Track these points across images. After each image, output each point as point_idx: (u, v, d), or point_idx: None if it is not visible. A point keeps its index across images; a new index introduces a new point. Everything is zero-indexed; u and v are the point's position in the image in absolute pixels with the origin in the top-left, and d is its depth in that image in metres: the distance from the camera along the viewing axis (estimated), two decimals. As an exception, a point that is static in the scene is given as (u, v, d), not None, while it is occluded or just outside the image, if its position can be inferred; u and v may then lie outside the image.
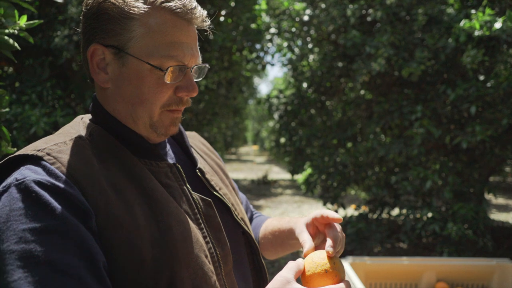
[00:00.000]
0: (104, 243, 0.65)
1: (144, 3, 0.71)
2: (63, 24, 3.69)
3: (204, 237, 0.77)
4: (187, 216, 0.75)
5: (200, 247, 0.74)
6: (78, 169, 0.67)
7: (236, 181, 12.73)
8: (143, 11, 0.71)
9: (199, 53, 0.78)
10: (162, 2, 0.71)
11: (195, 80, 0.79)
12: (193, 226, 0.75)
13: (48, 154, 0.68)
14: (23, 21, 1.21)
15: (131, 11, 0.71)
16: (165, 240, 0.69)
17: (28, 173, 0.65)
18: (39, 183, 0.63)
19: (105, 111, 0.78)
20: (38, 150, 0.69)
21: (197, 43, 0.78)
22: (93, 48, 0.74)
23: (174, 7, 0.71)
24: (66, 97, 4.15)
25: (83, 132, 0.76)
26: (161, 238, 0.69)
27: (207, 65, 0.82)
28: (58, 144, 0.71)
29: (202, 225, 0.78)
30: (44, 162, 0.66)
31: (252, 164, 20.40)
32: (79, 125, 0.78)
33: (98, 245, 0.64)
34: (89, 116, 0.82)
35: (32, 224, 0.60)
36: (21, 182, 0.63)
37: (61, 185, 0.64)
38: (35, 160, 0.67)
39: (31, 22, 1.24)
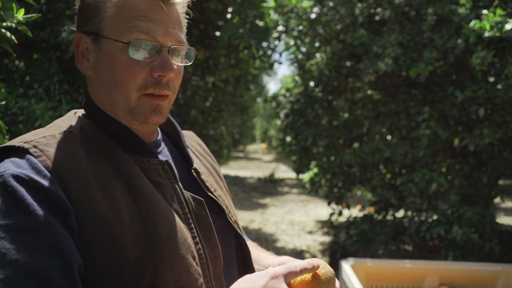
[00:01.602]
0: (85, 241, 0.63)
1: None
2: (71, 19, 3.72)
3: (193, 237, 0.74)
4: (176, 215, 0.72)
5: (187, 248, 0.71)
6: (64, 163, 0.66)
7: (243, 179, 12.74)
8: None
9: (180, 35, 0.75)
10: None
11: (179, 64, 0.76)
12: (182, 225, 0.72)
13: (35, 147, 0.66)
14: (20, 14, 1.21)
15: None
16: (150, 239, 0.67)
17: (10, 166, 0.63)
18: (17, 177, 0.62)
19: (95, 106, 0.77)
20: (25, 142, 0.67)
21: (177, 24, 0.74)
22: (77, 37, 0.75)
23: None
24: (74, 92, 4.19)
25: (74, 127, 0.74)
26: (146, 237, 0.67)
27: (191, 48, 0.77)
28: (47, 137, 0.69)
29: (192, 225, 0.75)
30: (29, 155, 0.65)
31: (259, 162, 20.39)
32: (72, 119, 0.77)
33: (78, 244, 0.62)
34: (82, 111, 0.81)
35: (4, 220, 0.58)
36: (0, 175, 0.62)
37: (41, 180, 0.62)
38: (20, 152, 0.66)
39: (30, 15, 1.25)
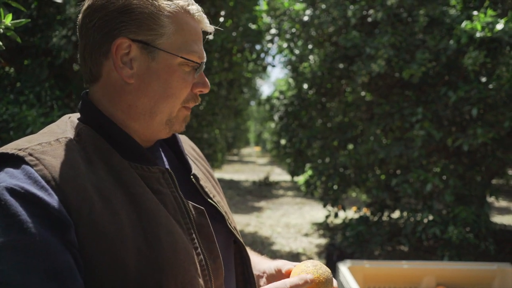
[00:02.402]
0: (85, 255, 0.60)
1: (173, 3, 0.74)
2: (62, 25, 3.68)
3: (195, 248, 0.72)
4: (177, 226, 0.71)
5: (190, 260, 0.69)
6: (62, 172, 0.62)
7: (238, 182, 12.71)
8: (175, 10, 0.73)
9: None
10: (188, 5, 0.76)
11: None
12: (183, 236, 0.70)
13: (30, 155, 0.63)
14: (8, 20, 1.18)
15: (167, 8, 0.73)
16: (153, 252, 0.65)
17: (4, 178, 0.60)
18: (11, 190, 0.58)
19: (97, 110, 0.73)
20: (20, 150, 0.63)
21: None
22: (119, 41, 0.71)
23: (195, 11, 0.77)
24: (65, 98, 4.14)
25: (70, 132, 0.70)
26: (148, 250, 0.64)
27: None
28: (42, 144, 0.66)
29: (194, 235, 0.73)
30: (24, 164, 0.62)
31: (254, 165, 20.38)
32: (66, 124, 0.74)
33: (78, 259, 0.59)
34: (77, 115, 0.78)
35: None
36: None
37: (38, 192, 0.59)
38: (15, 161, 0.62)
39: (18, 21, 1.22)
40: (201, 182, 0.83)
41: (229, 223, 0.84)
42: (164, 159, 0.83)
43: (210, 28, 0.80)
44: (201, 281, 0.70)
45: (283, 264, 0.88)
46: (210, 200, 0.82)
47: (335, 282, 0.79)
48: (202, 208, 0.76)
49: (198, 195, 0.82)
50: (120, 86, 0.73)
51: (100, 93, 0.75)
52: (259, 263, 0.94)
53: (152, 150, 0.80)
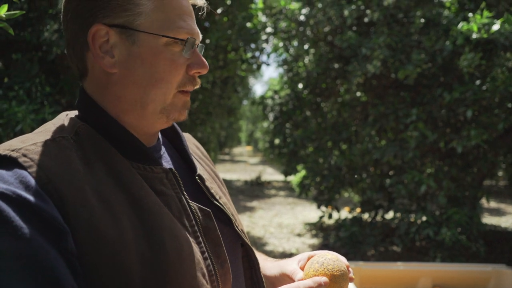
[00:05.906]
0: (85, 261, 0.56)
1: None
2: (54, 19, 3.59)
3: (202, 253, 0.68)
4: (183, 229, 0.67)
5: (197, 265, 0.66)
6: (59, 174, 0.58)
7: (229, 181, 12.66)
8: None
9: None
10: None
11: None
12: (189, 240, 0.67)
13: (24, 156, 0.59)
14: (3, 11, 1.13)
15: None
16: (157, 257, 0.61)
17: None
18: (3, 195, 0.54)
19: (96, 105, 0.69)
20: (13, 150, 0.59)
21: None
22: (95, 29, 0.65)
23: None
24: (56, 94, 4.05)
25: (67, 131, 0.66)
26: (152, 256, 0.61)
27: (202, 44, 0.79)
28: (37, 144, 0.61)
29: (200, 238, 0.69)
30: (17, 166, 0.58)
31: (245, 164, 20.34)
32: (64, 122, 0.69)
33: (77, 267, 0.56)
34: (75, 112, 0.73)
35: None
36: None
37: (30, 197, 0.55)
38: (7, 162, 0.58)
39: (12, 12, 1.16)
40: (207, 183, 0.79)
41: (236, 226, 0.80)
42: (168, 158, 0.78)
43: (201, 0, 0.75)
44: (209, 287, 0.67)
45: (303, 257, 0.83)
46: (216, 202, 0.78)
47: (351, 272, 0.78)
48: (209, 210, 0.72)
49: (204, 197, 0.77)
50: (105, 77, 0.69)
51: (90, 88, 0.71)
52: (285, 264, 0.87)
53: (155, 149, 0.76)
